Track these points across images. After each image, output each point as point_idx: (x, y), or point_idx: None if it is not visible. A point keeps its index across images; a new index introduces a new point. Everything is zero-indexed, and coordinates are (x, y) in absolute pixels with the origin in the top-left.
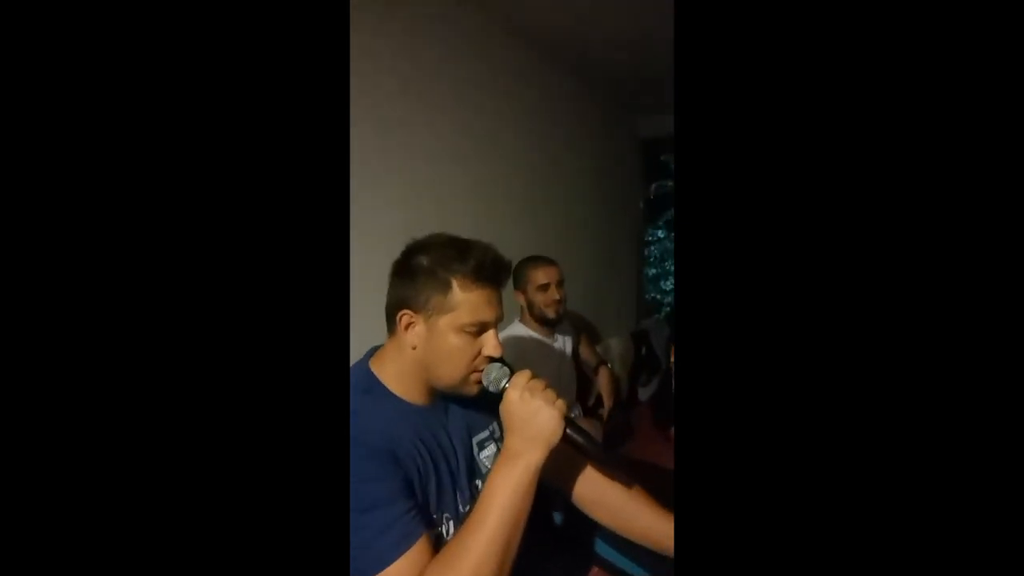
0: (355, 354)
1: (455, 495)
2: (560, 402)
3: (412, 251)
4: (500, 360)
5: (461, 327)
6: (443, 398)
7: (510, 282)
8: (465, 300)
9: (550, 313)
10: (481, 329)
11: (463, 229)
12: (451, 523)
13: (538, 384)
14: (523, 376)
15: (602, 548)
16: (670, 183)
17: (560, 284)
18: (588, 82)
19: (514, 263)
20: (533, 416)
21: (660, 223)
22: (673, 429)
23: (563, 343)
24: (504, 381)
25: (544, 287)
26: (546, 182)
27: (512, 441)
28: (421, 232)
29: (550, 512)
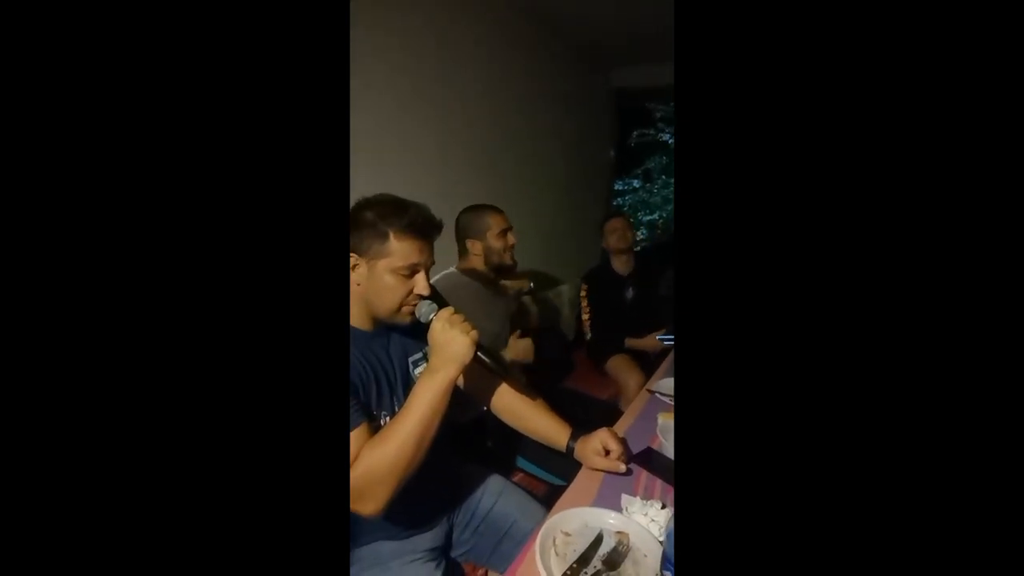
0: None
1: (392, 399)
2: (474, 332)
3: (360, 207)
4: (429, 297)
5: (395, 269)
6: (386, 327)
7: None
8: (399, 248)
9: (506, 259)
10: (412, 272)
11: (427, 175)
12: (387, 418)
13: (457, 317)
14: (447, 311)
15: (521, 462)
16: (651, 132)
17: (511, 229)
18: (560, 31)
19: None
20: (451, 342)
21: (637, 172)
22: (607, 364)
23: (508, 297)
24: (432, 314)
25: (503, 232)
26: (513, 131)
27: (434, 360)
28: (383, 180)
29: (484, 438)
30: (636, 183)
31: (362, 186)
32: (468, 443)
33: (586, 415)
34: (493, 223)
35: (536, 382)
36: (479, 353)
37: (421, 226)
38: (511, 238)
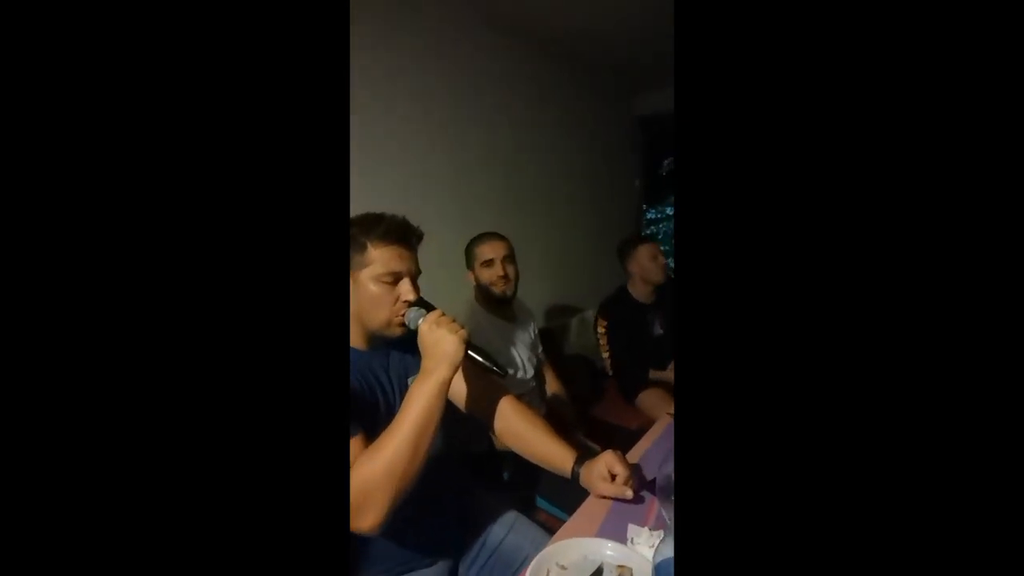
0: None
1: (389, 418)
2: (463, 331)
3: None
4: (419, 303)
5: (378, 277)
6: (385, 346)
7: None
8: (378, 256)
9: (495, 290)
10: (395, 279)
11: (448, 213)
12: None
13: (445, 319)
14: (434, 314)
15: (541, 502)
16: None
17: (508, 259)
18: (582, 60)
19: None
20: (439, 342)
21: (670, 200)
22: (637, 398)
23: (525, 324)
24: (420, 319)
25: (489, 263)
26: (536, 164)
27: (425, 363)
28: (399, 205)
29: (500, 469)
30: (670, 210)
31: (378, 208)
32: (481, 473)
33: (607, 442)
34: (478, 253)
35: (562, 413)
36: (470, 352)
37: (398, 233)
38: (500, 268)
